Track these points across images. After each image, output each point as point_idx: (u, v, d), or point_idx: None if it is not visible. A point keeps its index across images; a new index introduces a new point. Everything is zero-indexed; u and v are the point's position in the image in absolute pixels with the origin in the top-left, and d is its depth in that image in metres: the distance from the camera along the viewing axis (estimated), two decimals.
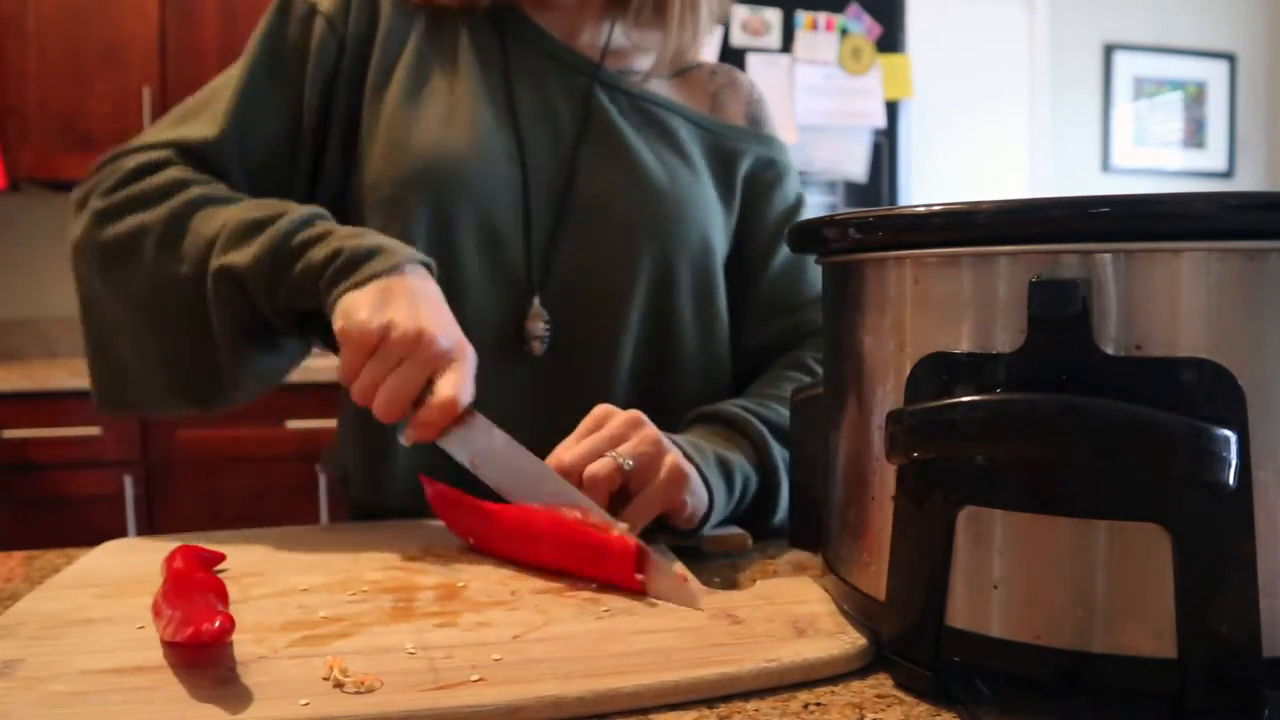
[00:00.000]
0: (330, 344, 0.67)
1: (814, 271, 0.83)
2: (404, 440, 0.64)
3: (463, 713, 0.38)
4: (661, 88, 0.87)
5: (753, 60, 2.47)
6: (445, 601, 0.52)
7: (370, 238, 0.67)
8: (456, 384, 0.62)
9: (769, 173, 0.89)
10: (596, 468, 0.61)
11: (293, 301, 0.67)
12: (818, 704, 0.41)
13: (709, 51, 2.33)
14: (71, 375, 2.17)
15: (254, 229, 0.67)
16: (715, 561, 0.64)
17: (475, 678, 0.41)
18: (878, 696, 0.42)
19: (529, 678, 0.41)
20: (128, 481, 2.17)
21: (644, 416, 0.65)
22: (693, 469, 0.64)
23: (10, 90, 2.33)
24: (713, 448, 0.69)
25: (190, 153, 0.74)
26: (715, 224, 0.84)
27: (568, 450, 0.63)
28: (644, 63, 0.87)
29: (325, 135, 0.78)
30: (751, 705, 0.41)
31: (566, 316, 0.78)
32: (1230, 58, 3.48)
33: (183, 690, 0.40)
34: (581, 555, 0.55)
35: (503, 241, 0.77)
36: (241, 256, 0.66)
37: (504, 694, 0.39)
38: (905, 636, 0.43)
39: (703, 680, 0.42)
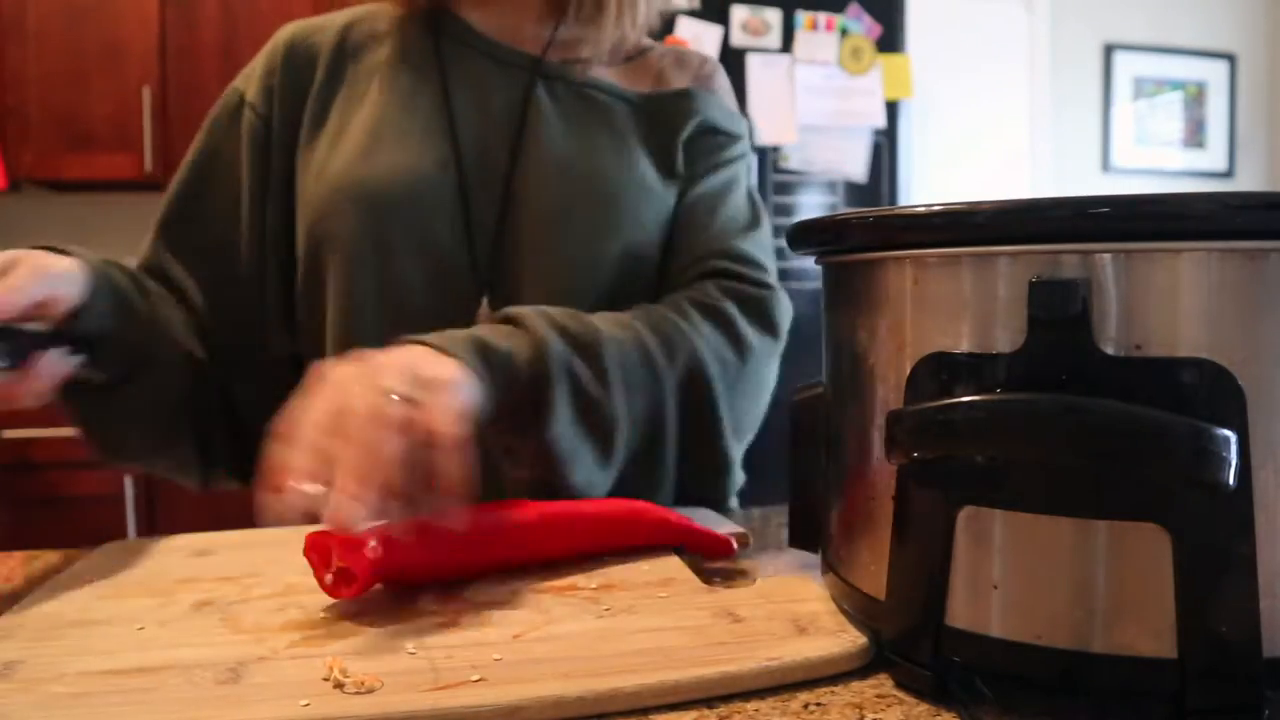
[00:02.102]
0: None
1: (729, 219, 0.84)
2: None
3: (463, 713, 0.38)
4: (610, 74, 0.87)
5: (753, 60, 2.47)
6: (445, 601, 0.52)
7: None
8: None
9: (706, 136, 0.87)
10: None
11: None
12: (818, 704, 0.41)
13: (709, 51, 2.33)
14: None
15: None
16: (715, 560, 0.64)
17: (475, 678, 0.41)
18: (878, 696, 0.42)
19: (529, 677, 0.41)
20: (128, 481, 2.17)
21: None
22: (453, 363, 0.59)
23: (10, 91, 2.33)
24: (473, 335, 0.64)
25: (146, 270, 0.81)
26: (647, 208, 0.82)
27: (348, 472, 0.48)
28: (588, 50, 0.86)
29: (265, 208, 0.81)
30: (752, 705, 0.41)
31: None
32: (1230, 58, 3.49)
33: (183, 691, 0.40)
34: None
35: (445, 250, 0.77)
36: None
37: (504, 694, 0.39)
38: (905, 636, 0.43)
39: (704, 679, 0.42)
